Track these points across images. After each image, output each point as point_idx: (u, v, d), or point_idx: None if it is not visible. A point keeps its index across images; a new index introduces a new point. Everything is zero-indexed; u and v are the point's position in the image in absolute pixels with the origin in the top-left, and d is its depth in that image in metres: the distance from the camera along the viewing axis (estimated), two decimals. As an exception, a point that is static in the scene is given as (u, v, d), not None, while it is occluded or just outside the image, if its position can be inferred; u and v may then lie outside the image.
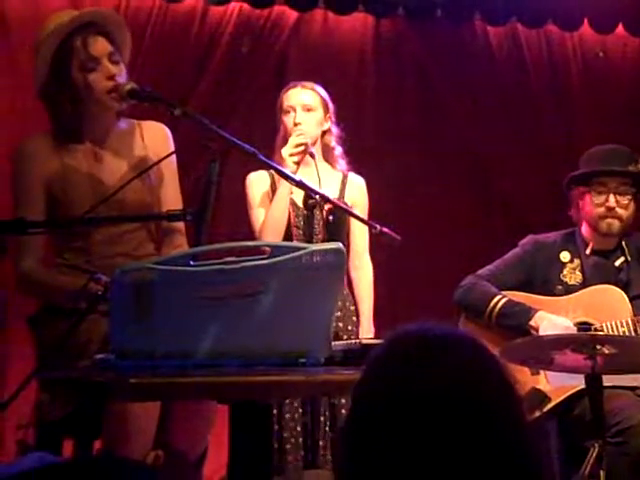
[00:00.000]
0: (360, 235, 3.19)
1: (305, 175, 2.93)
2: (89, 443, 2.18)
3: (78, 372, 1.93)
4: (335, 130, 3.20)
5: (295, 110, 3.12)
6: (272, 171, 3.05)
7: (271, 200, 3.09)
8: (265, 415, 1.84)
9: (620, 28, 4.90)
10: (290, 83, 3.29)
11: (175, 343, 1.68)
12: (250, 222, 3.15)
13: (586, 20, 4.85)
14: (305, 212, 3.05)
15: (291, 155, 3.00)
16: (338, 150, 3.21)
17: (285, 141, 3.09)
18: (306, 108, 3.13)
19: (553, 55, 4.90)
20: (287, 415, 2.98)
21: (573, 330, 3.02)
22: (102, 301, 1.90)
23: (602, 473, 2.52)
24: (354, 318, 3.15)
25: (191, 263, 1.71)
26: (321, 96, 3.20)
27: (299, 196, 3.05)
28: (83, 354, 2.05)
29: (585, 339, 2.55)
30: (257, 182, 3.14)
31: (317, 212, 3.04)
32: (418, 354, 0.98)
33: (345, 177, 3.23)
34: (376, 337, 3.08)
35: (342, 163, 3.24)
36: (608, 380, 2.73)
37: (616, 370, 2.76)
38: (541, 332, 3.02)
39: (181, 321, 1.69)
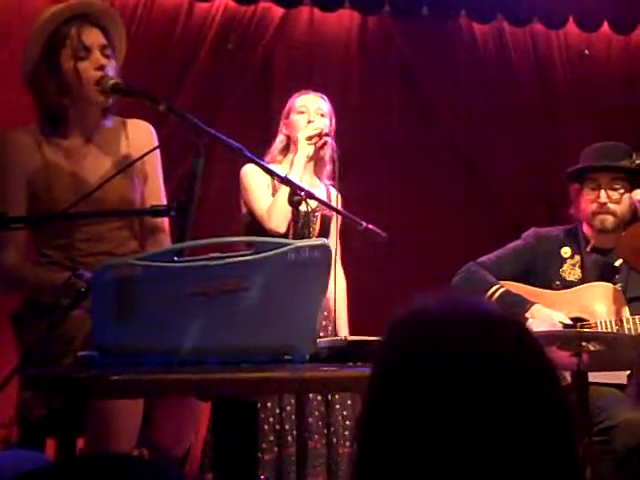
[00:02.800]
0: (334, 242, 3.22)
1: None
2: (72, 441, 2.16)
3: (61, 369, 1.91)
4: (333, 145, 3.22)
5: (309, 111, 3.26)
6: (270, 167, 3.11)
7: (272, 191, 3.18)
8: (249, 412, 1.83)
9: (605, 26, 4.92)
10: (301, 90, 3.39)
11: (159, 340, 1.66)
12: (251, 209, 3.20)
13: (571, 18, 4.87)
14: (304, 215, 3.16)
15: (309, 138, 3.14)
16: (328, 167, 3.27)
17: (288, 141, 3.26)
18: (319, 113, 3.27)
19: (538, 53, 4.91)
20: (262, 415, 3.00)
21: (559, 327, 3.02)
22: (85, 297, 1.88)
23: (588, 470, 2.53)
24: (325, 312, 3.17)
25: (175, 259, 1.69)
26: (330, 107, 3.34)
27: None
28: (66, 351, 2.03)
29: (571, 336, 2.55)
30: (256, 172, 3.19)
31: (312, 217, 3.20)
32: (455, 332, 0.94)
33: (329, 191, 3.33)
34: (351, 333, 3.13)
35: (326, 178, 3.33)
36: (593, 377, 2.74)
37: (602, 367, 2.77)
38: (537, 321, 3.02)
39: (165, 317, 1.67)
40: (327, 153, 3.25)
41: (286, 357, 1.75)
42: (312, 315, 1.79)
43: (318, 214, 3.23)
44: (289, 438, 3.02)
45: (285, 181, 2.44)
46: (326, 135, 3.16)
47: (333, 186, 3.30)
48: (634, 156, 3.20)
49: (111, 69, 2.35)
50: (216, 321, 1.70)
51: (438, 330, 0.94)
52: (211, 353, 1.69)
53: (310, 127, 3.16)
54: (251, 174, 3.20)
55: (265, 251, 1.72)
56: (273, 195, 3.17)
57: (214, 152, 3.49)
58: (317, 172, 3.32)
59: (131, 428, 2.10)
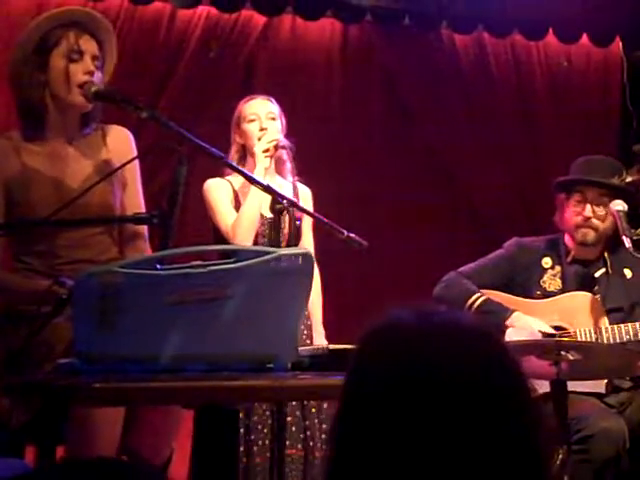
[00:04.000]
0: (309, 243, 3.24)
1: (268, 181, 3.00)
2: (52, 449, 2.14)
3: (42, 377, 1.90)
4: (287, 143, 3.22)
5: (260, 118, 3.23)
6: (230, 179, 3.20)
7: (235, 204, 3.17)
8: (231, 420, 1.83)
9: (584, 38, 4.97)
10: (246, 97, 3.36)
11: (140, 347, 1.66)
12: (216, 225, 3.17)
13: (551, 30, 4.91)
14: (270, 220, 3.11)
15: (264, 151, 3.11)
16: (288, 164, 3.26)
17: (244, 150, 3.23)
18: (270, 117, 3.24)
19: (518, 64, 4.95)
20: (255, 418, 2.99)
21: (538, 336, 3.04)
22: (67, 305, 1.88)
23: (566, 479, 2.54)
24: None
25: (157, 267, 1.69)
26: (279, 108, 3.31)
27: (265, 204, 3.09)
28: (47, 359, 2.02)
29: (550, 345, 2.57)
30: (218, 187, 3.20)
31: (284, 218, 3.07)
32: (425, 340, 0.95)
33: (295, 187, 3.31)
34: (329, 341, 3.13)
35: (289, 175, 3.31)
36: (573, 386, 2.76)
37: (581, 376, 2.79)
38: (506, 337, 3.04)
39: (147, 325, 1.67)
40: (284, 152, 3.23)
41: (268, 365, 1.76)
42: (294, 323, 1.80)
43: (286, 217, 3.22)
44: (254, 448, 3.01)
45: (267, 189, 2.44)
46: (282, 148, 3.13)
47: (300, 181, 3.30)
48: (624, 174, 3.23)
49: (97, 79, 2.36)
50: (198, 329, 1.70)
51: (411, 342, 0.95)
52: (193, 361, 1.69)
53: (264, 140, 3.13)
54: (213, 189, 3.19)
55: (247, 259, 1.73)
56: (236, 209, 3.16)
57: (196, 159, 3.48)
58: (279, 170, 3.29)
59: (111, 436, 2.10)
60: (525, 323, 3.06)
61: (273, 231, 3.06)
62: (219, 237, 3.15)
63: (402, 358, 0.94)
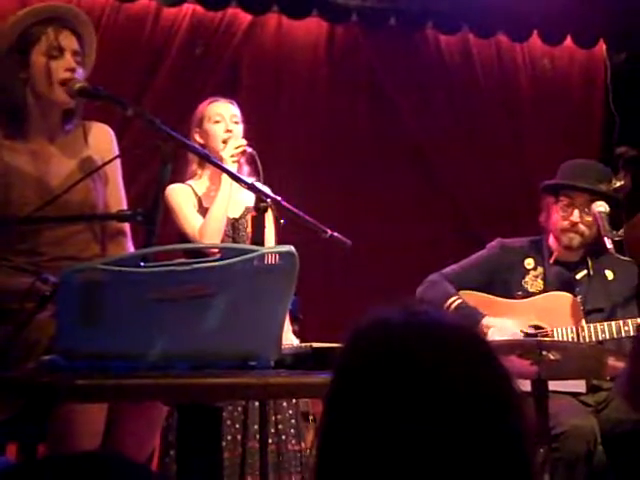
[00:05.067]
0: (272, 240, 3.24)
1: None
2: (33, 446, 2.14)
3: (24, 373, 1.90)
4: (251, 150, 3.22)
5: (225, 120, 3.24)
6: (191, 183, 3.22)
7: (199, 209, 3.18)
8: (214, 418, 1.83)
9: (568, 40, 5.00)
10: (210, 98, 3.37)
11: (124, 345, 1.66)
12: (181, 229, 3.16)
13: (535, 32, 4.94)
14: (233, 220, 3.21)
15: (232, 156, 3.12)
16: (245, 167, 3.25)
17: (208, 149, 3.18)
18: (234, 120, 3.27)
19: (503, 64, 4.98)
20: (224, 413, 3.01)
21: (520, 336, 3.06)
22: (50, 302, 1.87)
23: (547, 477, 2.56)
24: None
25: (141, 264, 1.69)
26: (239, 111, 3.32)
27: (230, 206, 3.15)
28: (30, 356, 2.01)
29: (531, 345, 2.59)
30: (181, 192, 3.20)
31: (243, 220, 3.22)
32: (413, 344, 0.95)
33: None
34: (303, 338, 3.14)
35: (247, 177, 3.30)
36: (553, 385, 2.78)
37: (561, 376, 2.81)
38: (489, 337, 3.06)
39: (130, 322, 1.67)
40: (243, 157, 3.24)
41: (251, 363, 1.76)
42: (277, 321, 1.80)
43: (249, 216, 3.23)
44: (222, 443, 3.01)
45: (252, 188, 2.45)
46: (249, 153, 3.13)
47: (258, 181, 3.29)
48: (613, 180, 3.24)
49: (79, 74, 2.35)
50: (181, 327, 1.70)
51: (399, 340, 0.96)
52: (176, 358, 1.69)
53: (231, 145, 3.13)
54: (178, 193, 3.18)
55: (231, 257, 1.73)
56: (200, 213, 3.17)
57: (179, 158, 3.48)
58: (239, 172, 3.30)
59: (93, 433, 2.09)
60: (497, 327, 3.08)
61: (252, 231, 3.07)
62: (185, 241, 3.13)
63: (390, 357, 0.95)
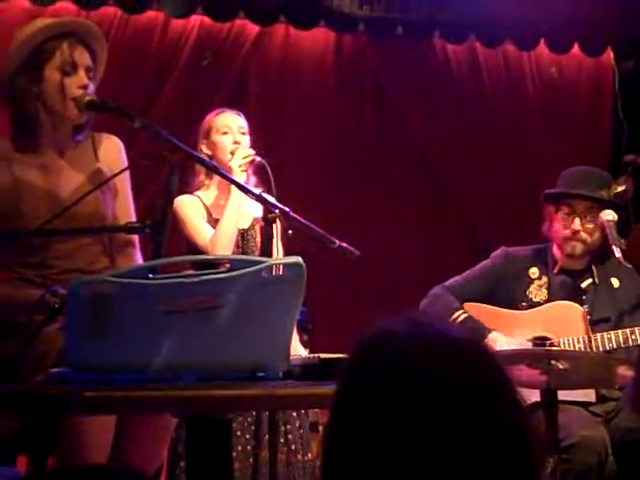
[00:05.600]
0: (279, 250, 3.25)
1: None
2: (43, 458, 2.14)
3: (34, 386, 1.91)
4: (260, 159, 3.23)
5: (232, 131, 3.25)
6: (199, 194, 3.22)
7: (208, 219, 3.18)
8: (223, 430, 1.83)
9: (576, 48, 5.00)
10: (217, 109, 3.38)
11: (133, 356, 1.67)
12: (191, 240, 3.16)
13: (542, 40, 4.94)
14: (243, 231, 3.20)
15: (240, 166, 3.13)
16: (252, 178, 3.25)
17: (216, 160, 3.17)
18: (241, 131, 3.28)
19: (510, 73, 4.98)
20: (234, 424, 3.01)
21: (528, 345, 3.05)
22: (59, 314, 1.88)
23: (556, 487, 2.55)
24: None
25: (150, 276, 1.70)
26: (247, 123, 3.33)
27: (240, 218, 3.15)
28: (39, 368, 2.02)
29: (540, 354, 2.58)
30: (190, 202, 3.21)
31: (252, 231, 3.22)
32: (417, 352, 0.96)
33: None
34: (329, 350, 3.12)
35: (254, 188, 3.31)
36: (563, 395, 2.77)
37: (570, 385, 2.80)
38: (497, 347, 3.05)
39: (139, 334, 1.67)
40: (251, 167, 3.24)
41: (259, 374, 1.76)
42: (285, 332, 1.80)
43: (257, 226, 3.24)
44: (233, 454, 3.02)
45: (259, 199, 2.45)
46: (258, 163, 3.13)
47: (269, 190, 3.30)
48: (612, 186, 3.23)
49: (90, 90, 2.37)
50: (190, 338, 1.70)
51: (403, 352, 0.96)
52: (185, 370, 1.70)
53: (239, 155, 3.14)
54: (187, 205, 3.19)
55: (239, 269, 1.74)
56: (209, 223, 3.17)
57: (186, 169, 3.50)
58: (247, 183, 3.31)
59: (103, 445, 2.10)
60: (503, 342, 3.07)
61: (261, 241, 3.08)
62: (195, 252, 3.14)
63: (393, 368, 0.95)
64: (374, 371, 0.96)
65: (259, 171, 3.19)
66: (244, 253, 3.19)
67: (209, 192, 3.26)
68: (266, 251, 2.98)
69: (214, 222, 3.17)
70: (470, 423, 0.93)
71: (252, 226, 3.27)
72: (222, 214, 3.15)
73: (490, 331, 3.10)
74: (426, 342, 0.97)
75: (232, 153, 3.18)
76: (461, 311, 3.16)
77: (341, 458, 0.95)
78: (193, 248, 3.16)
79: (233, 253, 3.14)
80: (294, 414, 3.15)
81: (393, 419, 0.93)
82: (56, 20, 2.44)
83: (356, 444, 0.94)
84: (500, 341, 3.08)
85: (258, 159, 3.13)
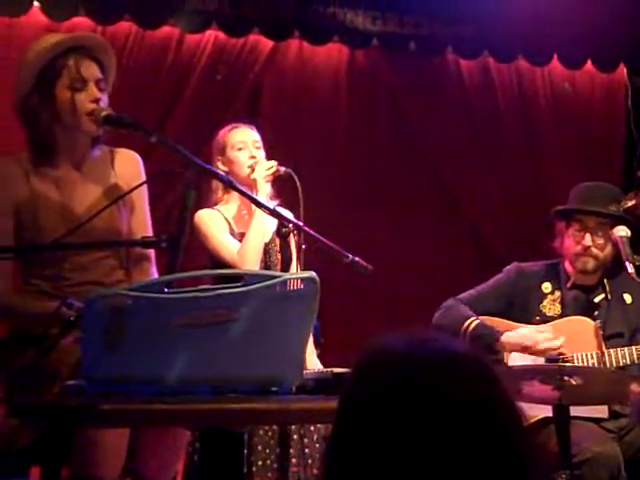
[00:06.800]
0: (294, 266, 3.26)
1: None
2: (57, 470, 2.15)
3: (49, 398, 1.92)
4: (285, 169, 3.25)
5: (248, 146, 3.27)
6: (219, 208, 3.22)
7: (230, 232, 3.19)
8: (236, 443, 1.84)
9: (589, 64, 5.01)
10: (229, 125, 3.39)
11: (148, 369, 1.68)
12: (216, 254, 3.16)
13: (556, 56, 4.95)
14: (265, 246, 3.20)
15: (265, 177, 3.15)
16: (270, 190, 3.27)
17: (232, 175, 3.15)
18: (256, 145, 3.29)
19: (523, 89, 4.99)
20: (255, 438, 3.01)
21: (541, 361, 3.04)
22: (74, 327, 1.89)
23: (569, 503, 2.54)
24: None
25: (165, 290, 1.71)
26: (260, 137, 3.35)
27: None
28: (54, 380, 2.03)
29: (553, 370, 2.57)
30: (211, 216, 3.22)
31: (273, 245, 3.22)
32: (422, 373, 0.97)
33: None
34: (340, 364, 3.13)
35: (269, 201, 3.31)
36: (575, 411, 2.76)
37: (582, 401, 2.79)
38: (510, 362, 3.05)
39: (154, 347, 1.68)
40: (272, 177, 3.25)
41: (272, 388, 1.77)
42: (299, 347, 1.81)
43: (277, 240, 3.25)
44: (253, 468, 3.02)
45: (274, 214, 2.46)
46: (283, 173, 3.15)
47: (279, 206, 3.28)
48: (622, 201, 3.23)
49: (103, 102, 2.38)
50: (205, 352, 1.71)
51: (399, 369, 0.97)
52: (199, 383, 1.71)
53: (263, 167, 3.17)
54: (207, 219, 3.20)
55: (254, 283, 1.75)
56: (232, 236, 3.18)
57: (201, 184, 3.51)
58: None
59: (116, 457, 2.10)
60: (517, 336, 3.07)
61: (281, 254, 3.10)
62: (220, 265, 3.13)
63: (390, 385, 0.96)
64: (372, 388, 0.98)
65: (276, 182, 3.20)
66: (267, 267, 3.19)
67: (228, 206, 3.27)
68: (287, 262, 3.01)
69: (238, 236, 3.18)
70: (467, 439, 0.93)
71: (273, 239, 3.27)
72: (246, 227, 3.15)
73: (502, 333, 3.10)
74: (423, 359, 0.98)
75: (251, 167, 3.20)
76: (473, 318, 3.16)
77: (341, 472, 0.97)
78: (218, 262, 3.15)
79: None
80: (312, 428, 3.15)
81: (391, 435, 0.94)
82: (60, 37, 2.42)
83: (355, 459, 0.95)
84: (513, 335, 3.07)
85: (283, 169, 3.15)
